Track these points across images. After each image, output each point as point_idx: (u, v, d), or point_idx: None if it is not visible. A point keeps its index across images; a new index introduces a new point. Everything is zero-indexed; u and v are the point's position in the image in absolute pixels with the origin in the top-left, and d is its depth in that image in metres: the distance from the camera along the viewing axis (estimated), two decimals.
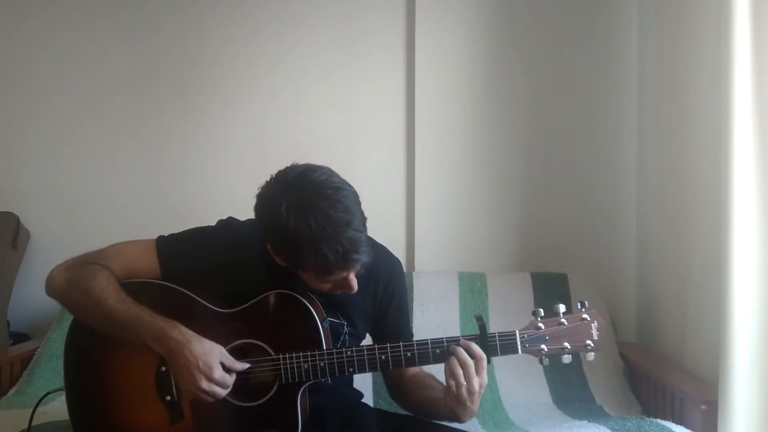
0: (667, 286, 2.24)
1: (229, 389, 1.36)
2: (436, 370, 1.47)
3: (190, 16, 2.62)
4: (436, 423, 1.50)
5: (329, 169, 1.36)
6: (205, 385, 1.33)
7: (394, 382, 1.61)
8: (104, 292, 1.39)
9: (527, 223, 2.55)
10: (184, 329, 1.35)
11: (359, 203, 1.34)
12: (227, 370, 1.36)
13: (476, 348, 1.37)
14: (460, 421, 1.44)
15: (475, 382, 1.35)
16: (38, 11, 2.63)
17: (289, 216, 1.28)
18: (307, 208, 1.28)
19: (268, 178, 1.37)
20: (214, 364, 1.33)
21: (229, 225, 1.52)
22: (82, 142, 2.63)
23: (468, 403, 1.36)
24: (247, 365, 1.39)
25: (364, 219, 1.34)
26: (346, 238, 1.28)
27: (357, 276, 1.39)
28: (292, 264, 1.37)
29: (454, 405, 1.38)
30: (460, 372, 1.35)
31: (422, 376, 1.57)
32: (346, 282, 1.37)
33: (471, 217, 2.54)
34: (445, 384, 1.40)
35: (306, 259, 1.31)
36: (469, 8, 2.55)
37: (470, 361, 1.35)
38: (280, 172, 1.36)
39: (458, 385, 1.35)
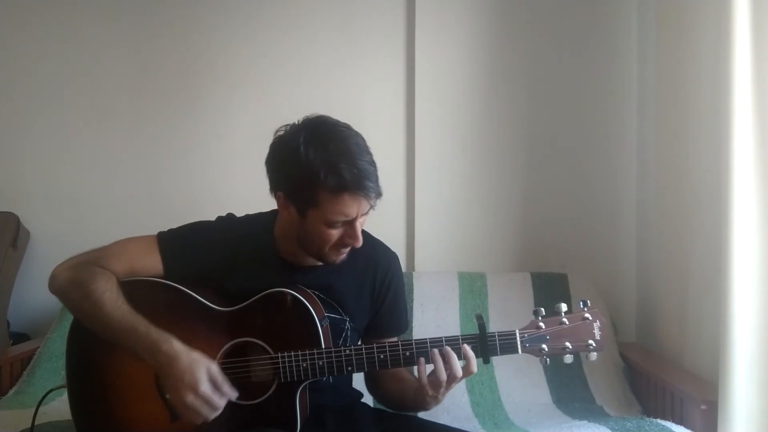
0: (667, 286, 2.24)
1: (217, 411, 1.34)
2: None
3: (191, 17, 2.62)
4: (437, 423, 1.51)
5: None
6: (190, 398, 1.31)
7: (370, 372, 1.60)
8: (102, 298, 1.39)
9: (527, 223, 2.55)
10: (176, 344, 1.34)
11: (368, 146, 1.41)
12: (216, 388, 1.34)
13: (473, 363, 1.37)
14: (425, 410, 1.49)
15: (454, 384, 1.38)
16: (39, 12, 2.63)
17: (308, 147, 1.35)
18: (324, 138, 1.36)
19: (265, 169, 1.43)
20: (200, 377, 1.32)
21: (228, 220, 1.54)
22: (82, 142, 2.63)
23: (439, 397, 1.40)
24: (235, 393, 1.36)
25: (374, 161, 1.39)
26: (362, 165, 1.35)
27: (355, 266, 1.42)
28: (305, 200, 1.38)
29: (426, 398, 1.41)
30: (444, 378, 1.36)
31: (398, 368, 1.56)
32: (353, 229, 1.39)
33: (471, 217, 2.54)
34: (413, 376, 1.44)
35: (322, 185, 1.33)
36: (468, 8, 2.55)
37: (460, 372, 1.36)
38: (293, 122, 1.42)
39: (439, 386, 1.37)
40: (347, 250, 1.43)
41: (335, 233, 1.39)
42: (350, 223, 1.38)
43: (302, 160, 1.34)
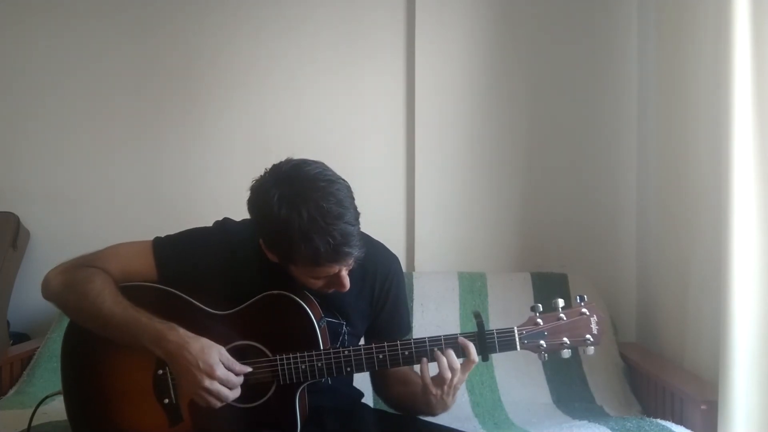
0: (667, 286, 2.24)
1: (236, 391, 1.35)
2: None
3: (191, 16, 2.62)
4: (437, 423, 1.50)
5: (323, 164, 1.36)
6: (207, 383, 1.31)
7: (377, 376, 1.60)
8: (101, 295, 1.38)
9: (527, 223, 2.55)
10: (182, 331, 1.35)
11: (352, 197, 1.34)
12: (230, 369, 1.35)
13: (473, 351, 1.37)
14: (434, 415, 1.47)
15: (456, 379, 1.37)
16: (38, 11, 2.63)
17: (281, 207, 1.28)
18: (299, 200, 1.28)
19: (262, 173, 1.37)
20: (215, 361, 1.32)
21: (224, 225, 1.52)
22: (82, 142, 2.63)
23: (445, 397, 1.39)
24: (248, 368, 1.37)
25: (357, 213, 1.33)
26: (338, 231, 1.28)
27: (353, 274, 1.39)
28: (283, 258, 1.36)
29: (431, 399, 1.40)
30: (449, 375, 1.36)
31: (405, 371, 1.56)
32: (338, 279, 1.36)
33: (471, 217, 2.54)
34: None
35: (297, 252, 1.30)
36: (469, 7, 2.55)
37: (457, 364, 1.36)
38: (274, 165, 1.36)
39: (443, 382, 1.36)
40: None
41: (319, 282, 1.38)
42: (335, 275, 1.35)
43: (276, 222, 1.29)
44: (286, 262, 1.36)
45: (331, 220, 1.27)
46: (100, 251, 1.48)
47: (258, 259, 1.43)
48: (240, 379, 1.36)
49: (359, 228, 1.33)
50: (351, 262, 1.34)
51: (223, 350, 1.36)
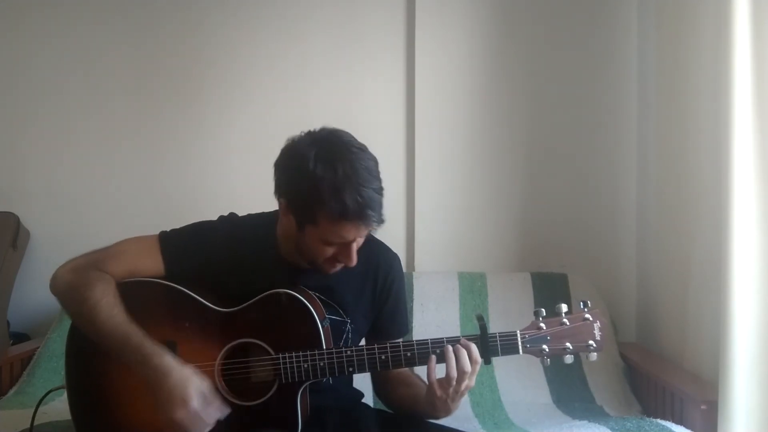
0: (667, 286, 2.24)
1: (210, 425, 1.33)
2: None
3: (191, 16, 2.62)
4: (437, 423, 1.50)
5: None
6: (180, 415, 1.30)
7: (379, 378, 1.61)
8: (97, 306, 1.38)
9: (527, 223, 2.55)
10: (167, 358, 1.34)
11: (379, 171, 1.38)
12: (206, 405, 1.33)
13: (475, 352, 1.37)
14: (436, 418, 1.46)
15: (464, 384, 1.37)
16: (38, 11, 2.63)
17: (316, 164, 1.33)
18: (335, 158, 1.33)
19: (273, 171, 1.41)
20: (191, 393, 1.31)
21: (230, 220, 1.54)
22: (82, 142, 2.63)
23: (449, 402, 1.39)
24: (226, 411, 1.35)
25: (382, 186, 1.37)
26: (367, 193, 1.32)
27: (355, 272, 1.41)
28: (305, 216, 1.37)
29: (436, 401, 1.39)
30: (455, 374, 1.35)
31: (407, 374, 1.57)
32: (348, 250, 1.38)
33: (471, 217, 2.54)
34: (427, 381, 1.40)
35: (324, 207, 1.32)
36: (469, 8, 2.55)
37: (468, 367, 1.35)
38: (309, 130, 1.40)
39: (449, 385, 1.36)
40: (342, 265, 1.42)
41: (330, 250, 1.39)
42: (346, 245, 1.38)
43: (309, 177, 1.33)
44: (307, 221, 1.37)
45: (362, 181, 1.33)
46: (108, 248, 1.48)
47: (263, 255, 1.44)
48: (213, 419, 1.33)
49: (383, 199, 1.37)
50: (370, 229, 1.37)
51: (204, 384, 1.34)
